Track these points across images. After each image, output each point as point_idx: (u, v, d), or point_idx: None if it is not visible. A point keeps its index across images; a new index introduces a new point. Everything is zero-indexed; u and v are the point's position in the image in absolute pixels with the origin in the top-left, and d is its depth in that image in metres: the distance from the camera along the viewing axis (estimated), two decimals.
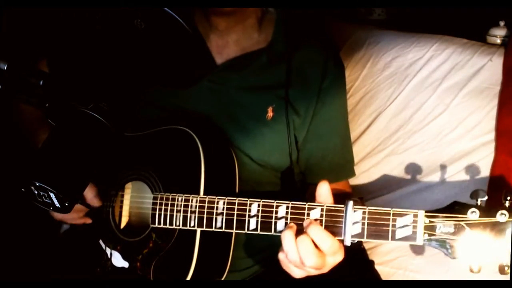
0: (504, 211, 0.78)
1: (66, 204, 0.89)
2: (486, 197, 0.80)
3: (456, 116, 1.38)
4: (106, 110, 0.92)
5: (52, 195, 0.87)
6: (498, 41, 1.47)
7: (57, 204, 0.89)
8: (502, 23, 1.48)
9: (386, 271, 1.31)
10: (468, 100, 1.37)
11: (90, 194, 1.10)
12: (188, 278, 0.99)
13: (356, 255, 1.19)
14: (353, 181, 1.44)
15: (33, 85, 0.86)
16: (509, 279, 0.79)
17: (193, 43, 1.02)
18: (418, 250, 1.29)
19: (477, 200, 0.80)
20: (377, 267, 1.26)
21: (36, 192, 0.88)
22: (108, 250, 1.12)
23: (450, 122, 1.38)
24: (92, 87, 0.94)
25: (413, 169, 1.39)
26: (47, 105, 0.88)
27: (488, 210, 0.79)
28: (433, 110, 1.41)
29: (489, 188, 1.26)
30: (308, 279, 0.90)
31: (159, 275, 1.04)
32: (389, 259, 1.33)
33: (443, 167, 1.35)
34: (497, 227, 0.78)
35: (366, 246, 1.32)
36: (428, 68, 1.45)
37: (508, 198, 0.78)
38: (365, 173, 1.46)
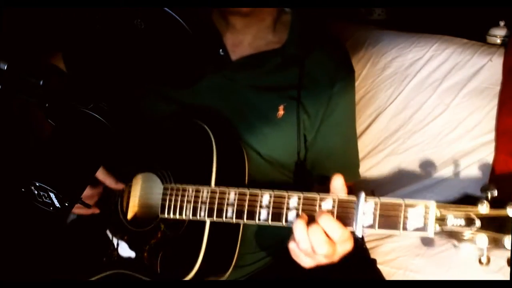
0: None
1: (66, 204, 0.89)
2: (496, 191, 0.80)
3: (456, 116, 1.38)
4: (106, 110, 0.92)
5: (52, 195, 0.87)
6: (498, 41, 1.47)
7: (57, 204, 0.89)
8: (502, 23, 1.48)
9: (387, 271, 1.31)
10: (468, 100, 1.38)
11: (110, 181, 1.11)
12: (195, 269, 0.99)
13: (358, 254, 1.19)
14: None
15: (33, 85, 0.86)
16: (509, 278, 0.79)
17: (193, 43, 1.02)
18: (418, 250, 1.29)
19: (487, 194, 0.80)
20: (377, 266, 1.26)
21: (36, 192, 0.88)
22: (115, 240, 1.12)
23: (450, 122, 1.38)
24: (92, 87, 0.94)
25: (413, 169, 1.39)
26: (47, 105, 0.88)
27: (498, 203, 0.79)
28: (433, 110, 1.41)
29: None
30: (308, 279, 0.90)
31: (166, 265, 1.04)
32: (389, 259, 1.33)
33: (443, 167, 1.35)
34: (507, 220, 0.78)
35: (367, 245, 1.32)
36: (428, 68, 1.46)
37: None
38: (365, 173, 1.46)
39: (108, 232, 1.14)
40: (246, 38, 1.16)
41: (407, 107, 1.46)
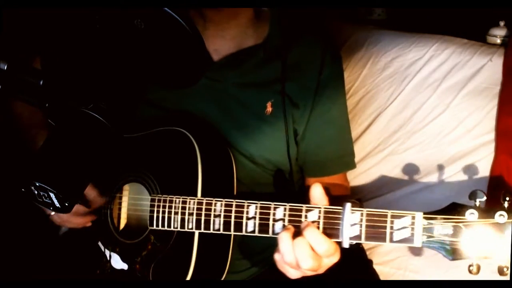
0: (503, 212, 0.77)
1: (66, 204, 0.89)
2: (484, 198, 0.79)
3: (456, 116, 1.38)
4: (106, 110, 0.92)
5: (52, 195, 0.87)
6: (498, 41, 1.47)
7: (57, 204, 0.89)
8: (502, 23, 1.48)
9: (386, 271, 1.31)
10: (468, 100, 1.37)
11: (92, 194, 1.09)
12: (187, 279, 0.99)
13: (354, 255, 1.19)
14: (353, 181, 1.44)
15: (33, 85, 0.86)
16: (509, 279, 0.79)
17: (193, 43, 1.02)
18: (417, 250, 1.29)
19: (475, 201, 0.80)
20: (376, 267, 1.26)
21: (36, 192, 0.88)
22: (107, 252, 1.12)
23: (450, 122, 1.38)
24: (92, 87, 0.94)
25: (413, 169, 1.39)
26: (47, 105, 0.88)
27: (487, 211, 0.78)
28: (433, 110, 1.41)
29: (489, 188, 1.26)
30: (307, 279, 0.90)
31: (158, 277, 1.04)
32: (389, 259, 1.33)
33: (443, 167, 1.35)
34: (496, 228, 0.77)
35: (366, 246, 1.32)
36: (428, 68, 1.45)
37: (507, 198, 0.77)
38: (365, 173, 1.46)
39: (100, 244, 1.13)
40: (226, 35, 1.14)
41: (407, 107, 1.45)
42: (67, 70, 1.15)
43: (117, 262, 1.10)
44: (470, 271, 0.79)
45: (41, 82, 0.86)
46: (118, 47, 1.03)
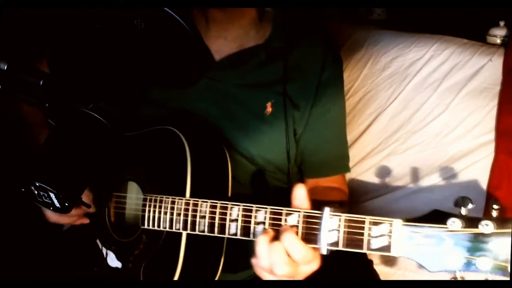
0: (488, 222, 0.72)
1: (66, 204, 0.89)
2: (471, 206, 0.74)
3: (456, 116, 1.38)
4: (105, 110, 0.92)
5: (52, 195, 0.87)
6: (498, 41, 1.47)
7: (57, 204, 0.89)
8: (502, 23, 1.48)
9: (386, 271, 1.31)
10: (468, 100, 1.37)
11: (90, 194, 1.10)
12: (175, 279, 0.99)
13: (355, 255, 1.18)
14: (354, 181, 1.44)
15: (33, 85, 0.86)
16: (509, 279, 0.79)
17: (193, 43, 1.02)
18: None
19: (460, 208, 0.74)
20: (377, 267, 1.26)
21: (36, 192, 0.88)
22: (104, 250, 1.12)
23: (450, 122, 1.38)
24: (92, 87, 0.94)
25: (413, 169, 1.39)
26: (47, 105, 0.88)
27: (471, 220, 0.73)
28: (433, 110, 1.41)
29: (489, 188, 1.26)
30: (307, 278, 0.90)
31: (148, 276, 1.03)
32: (389, 259, 1.32)
33: (443, 167, 1.35)
34: (481, 239, 0.72)
35: None
36: (428, 68, 1.45)
37: (495, 207, 0.72)
38: (365, 173, 1.46)
39: (98, 242, 1.14)
40: (229, 35, 1.14)
41: (407, 107, 1.45)
42: (67, 70, 1.15)
43: (113, 260, 1.10)
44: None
45: (41, 82, 0.86)
46: (118, 47, 1.03)
